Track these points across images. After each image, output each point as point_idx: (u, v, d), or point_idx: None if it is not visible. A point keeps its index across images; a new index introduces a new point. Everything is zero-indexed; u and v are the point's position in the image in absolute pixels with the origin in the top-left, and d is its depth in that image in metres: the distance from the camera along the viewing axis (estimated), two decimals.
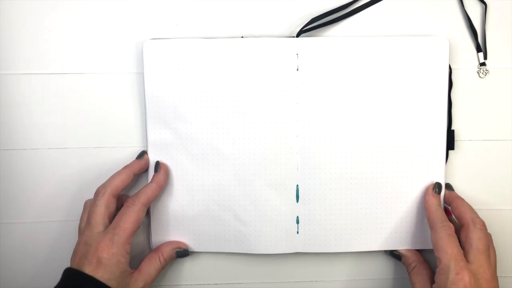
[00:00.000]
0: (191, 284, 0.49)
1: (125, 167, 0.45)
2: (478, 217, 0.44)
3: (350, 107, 0.46)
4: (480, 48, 0.47)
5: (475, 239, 0.43)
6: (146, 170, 0.46)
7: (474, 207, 0.45)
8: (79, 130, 0.47)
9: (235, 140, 0.46)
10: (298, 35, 0.46)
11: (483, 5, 0.47)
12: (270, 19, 0.47)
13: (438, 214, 0.45)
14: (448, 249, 0.42)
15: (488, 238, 0.43)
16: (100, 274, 0.40)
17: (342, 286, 0.49)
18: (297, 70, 0.46)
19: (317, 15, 0.46)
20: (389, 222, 0.47)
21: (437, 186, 0.46)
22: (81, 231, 0.43)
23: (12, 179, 0.47)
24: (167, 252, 0.46)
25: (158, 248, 0.46)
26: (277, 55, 0.45)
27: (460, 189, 0.48)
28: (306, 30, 0.46)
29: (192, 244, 0.47)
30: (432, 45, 0.46)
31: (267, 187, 0.46)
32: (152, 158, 0.46)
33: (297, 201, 0.47)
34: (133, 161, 0.46)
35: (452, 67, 0.47)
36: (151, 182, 0.45)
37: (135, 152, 0.47)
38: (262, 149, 0.46)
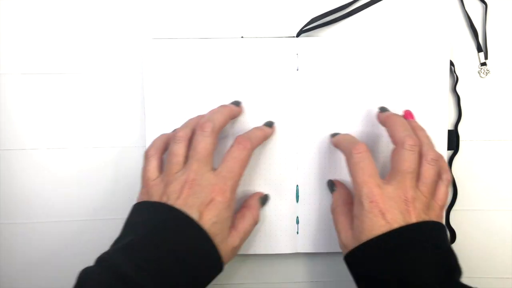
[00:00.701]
0: None
1: (224, 107, 0.43)
2: (410, 135, 0.39)
3: (350, 107, 0.46)
4: (481, 48, 0.47)
5: (398, 160, 0.38)
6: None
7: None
8: (79, 130, 0.47)
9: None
10: (298, 35, 0.46)
11: (484, 5, 0.47)
12: (270, 19, 0.47)
13: (346, 138, 0.41)
14: (357, 177, 0.38)
15: (415, 161, 0.38)
16: (208, 217, 0.37)
17: (342, 286, 0.49)
18: (297, 70, 0.46)
19: (317, 15, 0.46)
20: None
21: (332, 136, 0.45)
22: (176, 165, 0.39)
23: (12, 179, 0.47)
24: (254, 204, 0.44)
25: (244, 205, 0.44)
26: (277, 55, 0.45)
27: (460, 189, 0.48)
28: (306, 30, 0.46)
29: None
30: (433, 45, 0.46)
31: (267, 187, 0.46)
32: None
33: (297, 201, 0.47)
34: (231, 105, 0.44)
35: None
36: (260, 128, 0.43)
37: (135, 152, 0.47)
38: (262, 149, 0.46)
